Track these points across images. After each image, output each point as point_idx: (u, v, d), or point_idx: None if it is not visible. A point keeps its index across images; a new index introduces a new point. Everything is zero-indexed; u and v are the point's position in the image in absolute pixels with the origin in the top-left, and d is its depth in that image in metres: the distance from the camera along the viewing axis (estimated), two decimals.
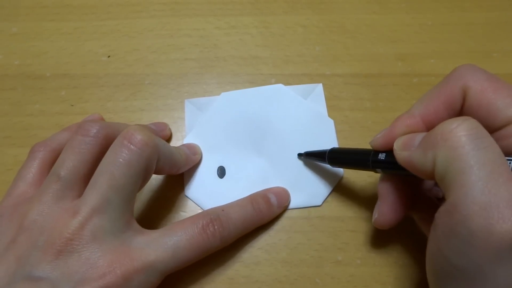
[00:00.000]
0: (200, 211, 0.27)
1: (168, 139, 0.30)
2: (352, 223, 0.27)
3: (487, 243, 0.15)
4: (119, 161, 0.21)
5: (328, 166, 0.27)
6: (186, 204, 0.28)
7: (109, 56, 0.32)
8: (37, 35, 0.33)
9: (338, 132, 0.29)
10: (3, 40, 0.33)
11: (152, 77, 0.31)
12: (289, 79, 0.31)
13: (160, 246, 0.22)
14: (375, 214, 0.23)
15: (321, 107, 0.30)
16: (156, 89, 0.31)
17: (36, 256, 0.20)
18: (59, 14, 0.34)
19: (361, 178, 0.28)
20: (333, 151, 0.25)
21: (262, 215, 0.26)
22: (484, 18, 0.33)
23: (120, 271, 0.21)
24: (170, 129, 0.30)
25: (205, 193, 0.28)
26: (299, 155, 0.28)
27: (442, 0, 0.34)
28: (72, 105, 0.31)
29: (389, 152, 0.21)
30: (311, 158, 0.28)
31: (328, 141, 0.29)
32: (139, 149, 0.21)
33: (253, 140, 0.29)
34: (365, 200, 0.27)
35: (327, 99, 0.30)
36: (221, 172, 0.28)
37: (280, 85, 0.30)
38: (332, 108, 0.30)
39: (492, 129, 0.19)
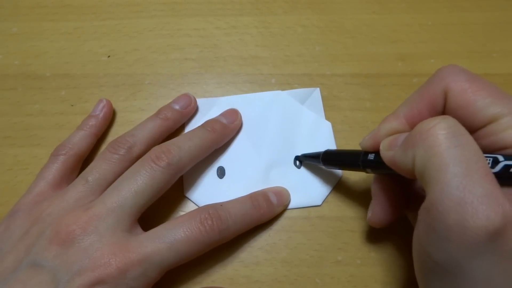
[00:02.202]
0: None
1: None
2: (352, 223, 0.27)
3: (462, 238, 0.15)
4: (144, 173, 0.23)
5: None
6: (186, 204, 0.28)
7: (109, 56, 0.32)
8: (37, 35, 0.33)
9: (338, 132, 0.29)
10: (3, 40, 0.33)
11: (152, 77, 0.31)
12: (289, 79, 0.31)
13: (157, 238, 0.22)
14: (369, 213, 0.24)
15: (319, 111, 0.30)
16: (156, 89, 0.31)
17: (42, 245, 0.22)
18: (59, 14, 0.34)
19: (361, 178, 0.28)
20: (327, 153, 0.26)
21: (262, 212, 0.26)
22: (484, 18, 0.33)
23: (115, 262, 0.21)
24: (195, 100, 0.30)
25: (204, 194, 0.28)
26: (296, 158, 0.28)
27: (442, 0, 0.34)
28: (72, 105, 0.31)
29: (378, 152, 0.21)
30: (307, 160, 0.28)
31: (326, 144, 0.29)
32: (163, 168, 0.24)
33: (252, 142, 0.29)
34: (365, 200, 0.27)
35: (327, 99, 0.30)
36: (221, 172, 0.28)
37: (279, 91, 0.30)
38: (332, 108, 0.30)
39: (473, 128, 0.19)
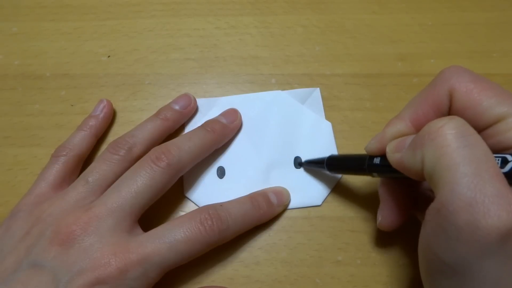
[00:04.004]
0: None
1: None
2: (352, 223, 0.27)
3: (473, 238, 0.15)
4: (143, 173, 0.23)
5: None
6: (186, 204, 0.28)
7: (109, 56, 0.32)
8: (37, 35, 0.33)
9: (338, 132, 0.29)
10: (3, 40, 0.33)
11: (152, 77, 0.31)
12: (289, 79, 0.31)
13: (157, 239, 0.22)
14: (379, 217, 0.23)
15: (319, 111, 0.30)
16: (156, 89, 0.31)
17: (42, 246, 0.22)
18: (59, 14, 0.34)
19: (361, 178, 0.28)
20: (331, 158, 0.26)
21: (262, 212, 0.26)
22: (484, 18, 0.33)
23: (115, 262, 0.21)
24: (194, 100, 0.30)
25: (204, 194, 0.28)
26: (299, 164, 0.28)
27: (442, 0, 0.34)
28: (72, 105, 0.31)
29: (384, 156, 0.21)
30: (310, 165, 0.28)
31: (326, 144, 0.29)
32: (163, 169, 0.24)
33: (252, 142, 0.29)
34: (365, 200, 0.27)
35: (327, 99, 0.30)
36: (221, 172, 0.28)
37: (279, 91, 0.30)
38: (332, 108, 0.30)
39: (480, 128, 0.19)
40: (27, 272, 0.21)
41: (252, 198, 0.26)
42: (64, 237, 0.21)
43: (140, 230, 0.24)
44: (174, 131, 0.29)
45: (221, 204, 0.25)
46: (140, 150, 0.26)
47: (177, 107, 0.29)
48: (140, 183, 0.23)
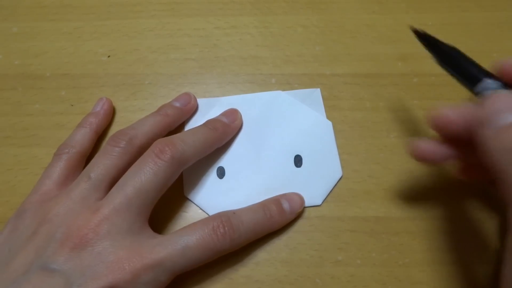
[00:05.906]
0: (200, 211, 0.27)
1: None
2: (352, 223, 0.27)
3: None
4: (147, 169, 0.23)
5: (327, 166, 0.28)
6: (187, 204, 0.28)
7: (109, 56, 0.32)
8: (37, 35, 0.33)
9: (337, 132, 0.29)
10: (3, 40, 0.33)
11: (152, 77, 0.31)
12: (289, 79, 0.31)
13: (170, 244, 0.22)
14: (421, 143, 0.22)
15: (319, 111, 0.30)
16: (156, 89, 0.31)
17: (53, 248, 0.21)
18: (59, 14, 0.34)
19: (361, 177, 0.28)
20: (452, 50, 0.25)
21: (274, 221, 0.26)
22: (484, 18, 0.33)
23: (129, 267, 0.21)
24: (195, 98, 0.30)
25: (204, 194, 0.28)
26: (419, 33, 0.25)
27: (442, 0, 0.34)
28: (72, 105, 0.31)
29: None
30: (431, 40, 0.25)
31: (327, 143, 0.29)
32: (166, 162, 0.23)
33: (252, 141, 0.29)
34: (365, 200, 0.27)
35: (327, 99, 0.30)
36: (221, 172, 0.28)
37: (279, 92, 0.30)
38: (332, 108, 0.30)
39: None
40: (37, 274, 0.21)
41: (265, 206, 0.26)
42: (76, 241, 0.21)
43: (150, 231, 0.24)
44: (174, 130, 0.29)
45: (234, 212, 0.25)
46: (141, 141, 0.25)
47: (177, 104, 0.29)
48: (144, 179, 0.23)
